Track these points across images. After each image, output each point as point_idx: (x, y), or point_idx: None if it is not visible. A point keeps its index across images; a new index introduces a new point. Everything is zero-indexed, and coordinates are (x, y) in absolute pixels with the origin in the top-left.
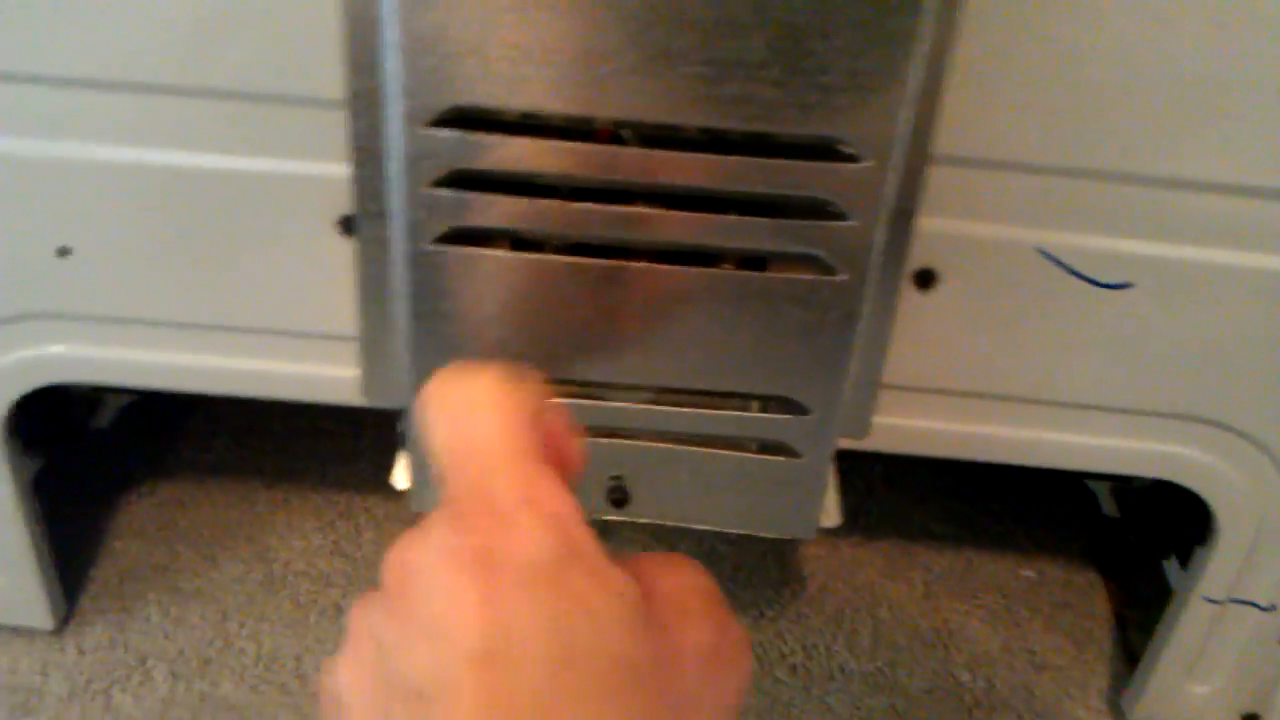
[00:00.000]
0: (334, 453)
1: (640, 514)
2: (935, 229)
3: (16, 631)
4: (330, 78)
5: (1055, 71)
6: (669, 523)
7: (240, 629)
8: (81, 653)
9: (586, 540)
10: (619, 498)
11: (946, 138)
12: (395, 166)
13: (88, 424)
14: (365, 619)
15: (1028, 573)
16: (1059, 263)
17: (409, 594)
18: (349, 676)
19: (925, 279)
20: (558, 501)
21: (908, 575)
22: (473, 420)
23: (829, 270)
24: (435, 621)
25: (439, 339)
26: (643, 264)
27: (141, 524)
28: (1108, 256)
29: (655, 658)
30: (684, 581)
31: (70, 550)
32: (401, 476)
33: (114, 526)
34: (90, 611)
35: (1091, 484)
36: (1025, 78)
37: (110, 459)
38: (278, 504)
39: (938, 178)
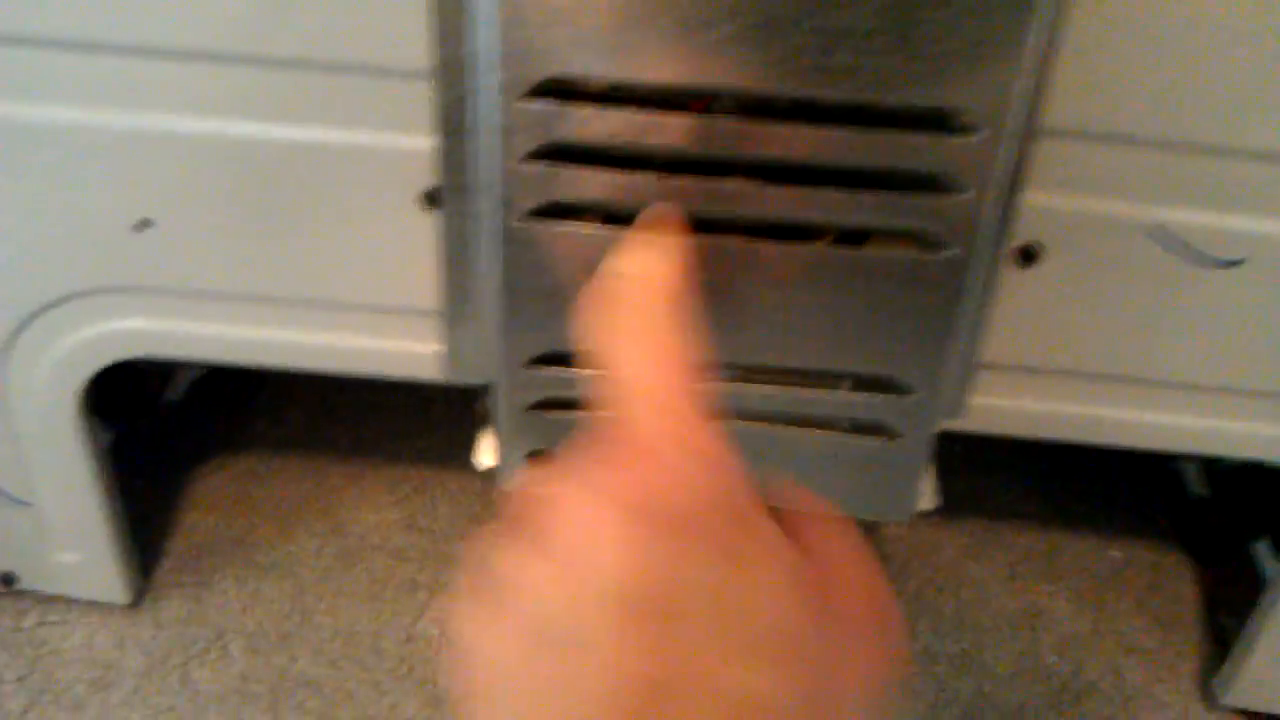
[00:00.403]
0: (407, 426)
1: None
2: (1040, 203)
3: (93, 606)
4: (415, 46)
5: (1171, 41)
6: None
7: (317, 603)
8: (158, 627)
9: (746, 493)
10: None
11: (1055, 108)
12: (488, 139)
13: (161, 396)
14: (499, 561)
15: (1115, 554)
16: (1169, 239)
17: (556, 533)
18: (484, 624)
19: (1028, 255)
20: (719, 450)
21: (991, 555)
22: (646, 348)
23: (935, 245)
24: (587, 564)
25: (530, 315)
26: (740, 240)
27: (216, 497)
28: (1220, 233)
29: (812, 625)
30: (842, 546)
31: (145, 523)
32: (486, 455)
33: (188, 500)
34: (166, 585)
35: (1179, 463)
36: (1140, 47)
37: (184, 431)
38: (351, 477)
39: (1044, 150)
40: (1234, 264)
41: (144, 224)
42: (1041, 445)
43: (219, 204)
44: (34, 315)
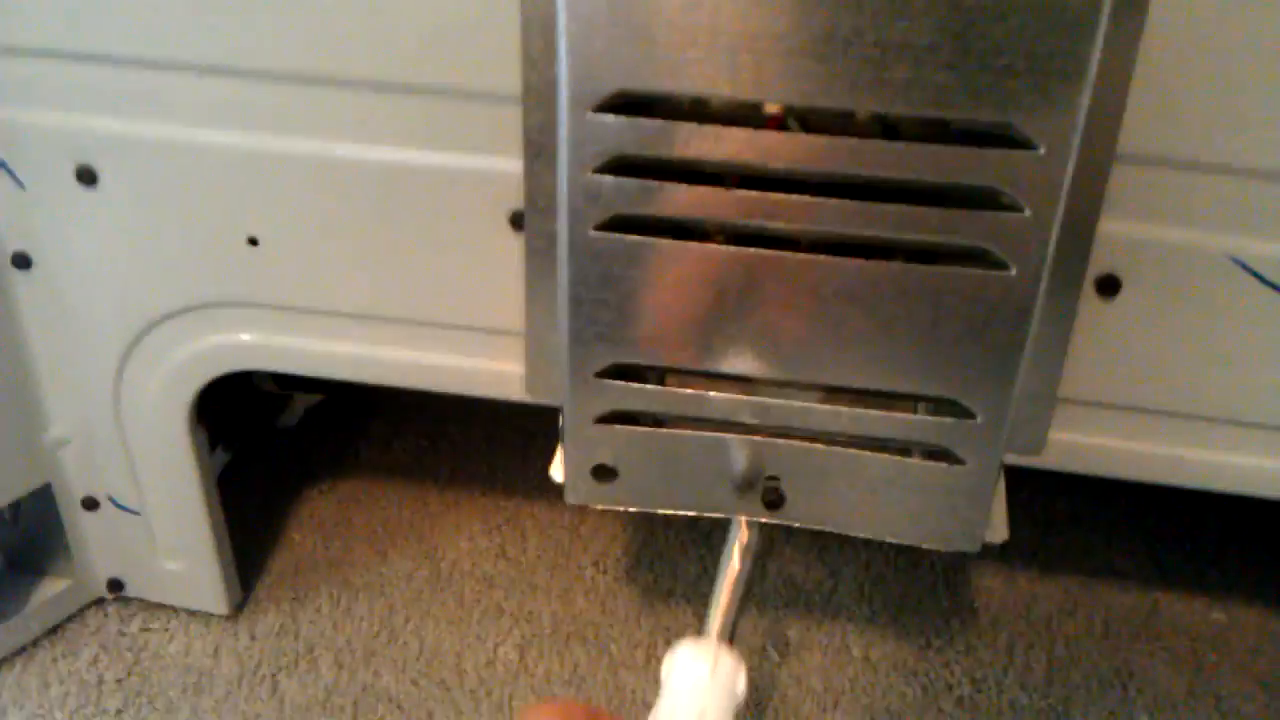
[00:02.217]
0: (504, 459)
1: (796, 518)
2: (1119, 232)
3: (194, 615)
4: (506, 72)
5: (1251, 69)
6: (825, 528)
7: (405, 624)
8: (252, 638)
9: None
10: (773, 499)
11: (1133, 135)
12: (560, 152)
13: (275, 422)
14: None
15: (1218, 615)
16: (1252, 271)
17: None
18: None
19: (1107, 286)
20: None
21: (1087, 612)
22: None
23: (1000, 265)
24: None
25: (597, 328)
26: (804, 255)
27: (319, 519)
28: None
29: None
30: None
31: (250, 540)
32: (558, 469)
33: (293, 520)
34: (264, 599)
35: None
36: (1220, 74)
37: (295, 456)
38: (448, 506)
39: (1122, 177)
40: None
41: (252, 241)
42: (1145, 499)
43: (322, 223)
44: (149, 328)
